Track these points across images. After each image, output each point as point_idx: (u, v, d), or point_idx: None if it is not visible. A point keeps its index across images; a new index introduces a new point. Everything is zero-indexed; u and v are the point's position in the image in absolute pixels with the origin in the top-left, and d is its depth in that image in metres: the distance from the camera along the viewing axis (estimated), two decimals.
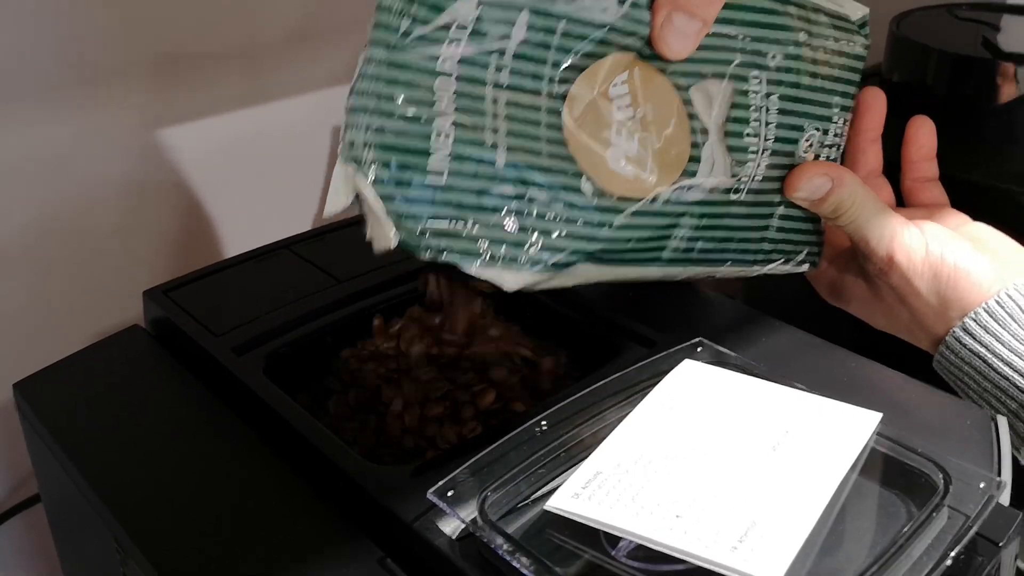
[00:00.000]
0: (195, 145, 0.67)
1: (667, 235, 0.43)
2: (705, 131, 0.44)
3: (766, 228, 0.48)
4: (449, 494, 0.34)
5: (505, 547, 0.32)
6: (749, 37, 0.45)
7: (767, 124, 0.47)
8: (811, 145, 0.50)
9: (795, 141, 0.49)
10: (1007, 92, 0.67)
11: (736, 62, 0.45)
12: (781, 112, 0.48)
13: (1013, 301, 0.46)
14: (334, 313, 0.49)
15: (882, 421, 0.36)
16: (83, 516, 0.43)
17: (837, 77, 0.52)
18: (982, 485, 0.33)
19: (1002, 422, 0.42)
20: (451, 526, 0.34)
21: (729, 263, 0.46)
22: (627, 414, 0.37)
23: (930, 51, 0.69)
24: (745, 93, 0.45)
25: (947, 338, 0.47)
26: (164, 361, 0.48)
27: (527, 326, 0.50)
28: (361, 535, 0.36)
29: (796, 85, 0.48)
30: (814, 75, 0.51)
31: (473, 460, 0.35)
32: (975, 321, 0.46)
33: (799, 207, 0.49)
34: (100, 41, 0.60)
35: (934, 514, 0.32)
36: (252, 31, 0.67)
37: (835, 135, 0.52)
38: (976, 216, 0.53)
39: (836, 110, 0.52)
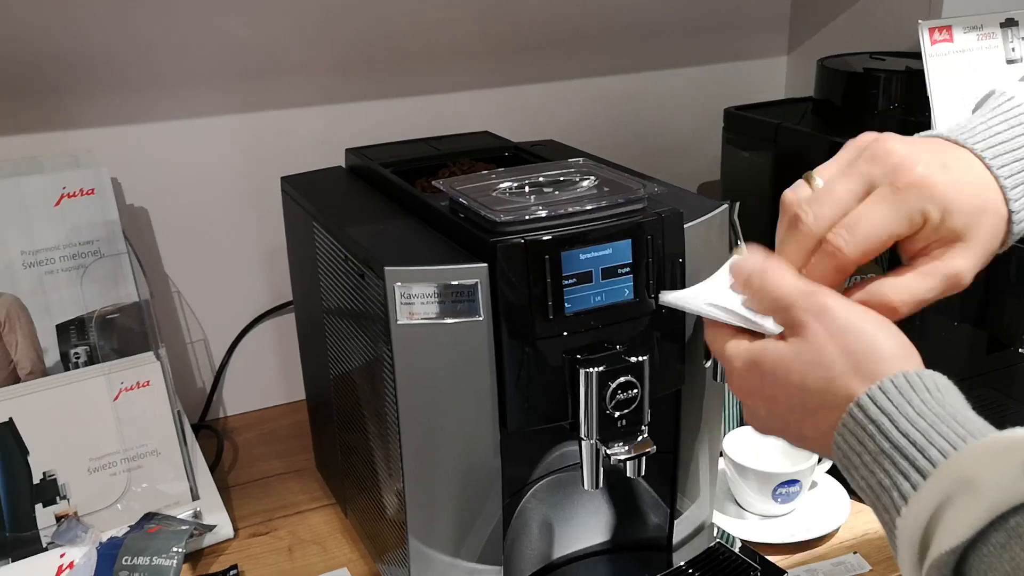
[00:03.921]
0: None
1: None
2: None
3: None
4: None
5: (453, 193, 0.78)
6: None
7: None
8: None
9: None
10: (879, 98, 1.08)
11: None
12: None
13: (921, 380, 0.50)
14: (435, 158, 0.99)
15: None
16: (313, 274, 0.94)
17: None
18: (646, 188, 0.77)
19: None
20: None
21: None
22: None
23: (833, 72, 1.11)
24: None
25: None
26: (355, 180, 0.99)
27: None
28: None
29: None
30: None
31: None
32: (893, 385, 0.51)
33: None
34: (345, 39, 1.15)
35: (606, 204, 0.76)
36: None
37: None
38: None
39: None
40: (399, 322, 0.72)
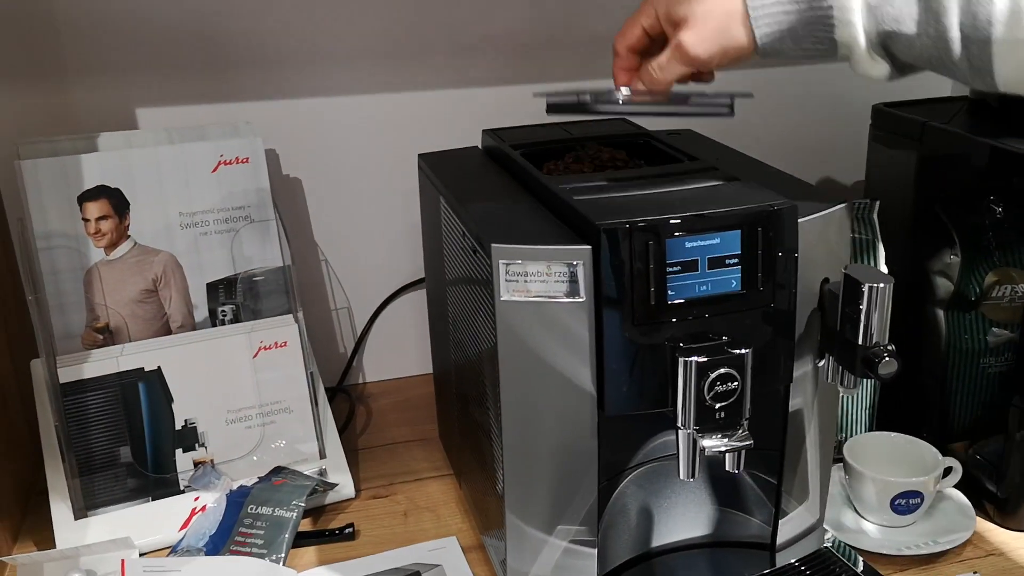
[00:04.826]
0: None
1: None
2: None
3: None
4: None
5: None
6: None
7: None
8: None
9: None
10: None
11: None
12: None
13: None
14: (566, 142, 1.00)
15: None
16: (439, 249, 0.97)
17: None
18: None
19: None
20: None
21: None
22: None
23: None
24: None
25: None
26: (487, 160, 1.02)
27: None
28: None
29: None
30: None
31: None
32: None
33: None
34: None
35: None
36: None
37: None
38: None
39: None
40: (502, 298, 0.74)
